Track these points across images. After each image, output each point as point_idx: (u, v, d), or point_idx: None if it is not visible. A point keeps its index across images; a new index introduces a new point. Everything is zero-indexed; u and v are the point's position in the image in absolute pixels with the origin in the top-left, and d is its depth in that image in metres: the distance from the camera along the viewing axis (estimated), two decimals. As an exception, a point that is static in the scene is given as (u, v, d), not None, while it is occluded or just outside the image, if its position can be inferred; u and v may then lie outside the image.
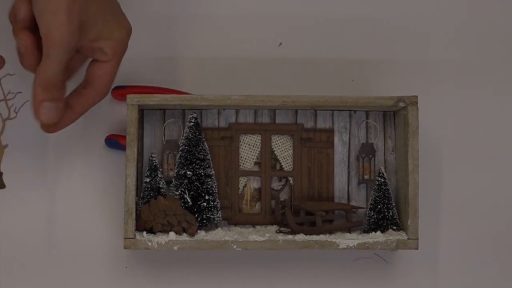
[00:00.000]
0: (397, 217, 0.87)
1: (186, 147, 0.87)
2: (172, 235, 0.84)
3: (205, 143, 0.87)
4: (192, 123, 0.87)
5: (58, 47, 0.75)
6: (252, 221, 0.90)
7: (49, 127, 0.81)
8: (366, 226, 0.87)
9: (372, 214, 0.87)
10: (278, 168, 0.90)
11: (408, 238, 0.85)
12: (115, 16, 0.80)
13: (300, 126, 0.90)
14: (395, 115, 0.90)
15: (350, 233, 0.87)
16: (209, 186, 0.87)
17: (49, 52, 0.76)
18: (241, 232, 0.87)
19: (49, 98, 0.78)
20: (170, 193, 0.87)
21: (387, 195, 0.87)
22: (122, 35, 0.80)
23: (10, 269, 0.90)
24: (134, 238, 0.84)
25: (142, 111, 0.89)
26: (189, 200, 0.86)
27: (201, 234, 0.85)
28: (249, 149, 0.90)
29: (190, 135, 0.87)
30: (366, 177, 0.89)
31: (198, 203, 0.86)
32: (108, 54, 0.80)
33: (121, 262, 0.90)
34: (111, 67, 0.81)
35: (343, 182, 0.90)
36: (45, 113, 0.79)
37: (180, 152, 0.87)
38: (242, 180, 0.90)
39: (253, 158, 0.90)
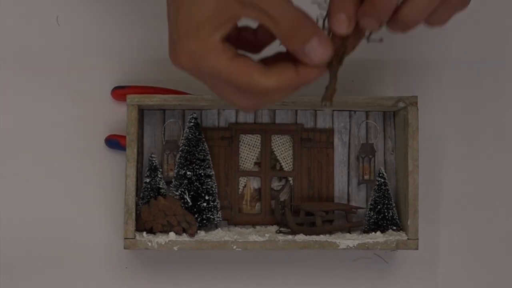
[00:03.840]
0: (397, 218, 0.87)
1: (186, 147, 0.87)
2: (172, 235, 0.84)
3: (205, 143, 0.87)
4: (192, 123, 0.87)
5: None
6: (252, 222, 0.90)
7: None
8: (366, 226, 0.88)
9: (372, 214, 0.87)
10: (278, 168, 0.90)
11: (408, 239, 0.85)
12: None
13: (300, 126, 0.90)
14: (395, 116, 0.90)
15: (350, 233, 0.87)
16: (209, 186, 0.87)
17: None
18: (241, 232, 0.87)
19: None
20: (170, 194, 0.87)
21: (387, 195, 0.87)
22: None
23: (10, 269, 0.90)
24: (134, 238, 0.84)
25: (142, 111, 0.89)
26: (189, 201, 0.86)
27: (201, 234, 0.85)
28: (249, 149, 0.90)
29: (190, 135, 0.87)
30: (366, 177, 0.89)
31: (198, 203, 0.86)
32: None
33: (121, 262, 0.90)
34: None
35: (343, 183, 0.90)
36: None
37: (180, 152, 0.87)
38: (242, 180, 0.90)
39: (253, 158, 0.90)
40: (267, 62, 0.67)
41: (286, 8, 0.64)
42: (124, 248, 0.84)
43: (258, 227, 0.89)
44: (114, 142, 0.90)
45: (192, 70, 0.66)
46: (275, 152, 0.90)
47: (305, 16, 0.65)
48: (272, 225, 0.89)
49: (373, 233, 0.86)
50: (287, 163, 0.90)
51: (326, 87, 0.71)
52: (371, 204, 0.88)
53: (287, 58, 0.67)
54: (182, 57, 0.66)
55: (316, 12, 0.69)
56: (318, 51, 0.65)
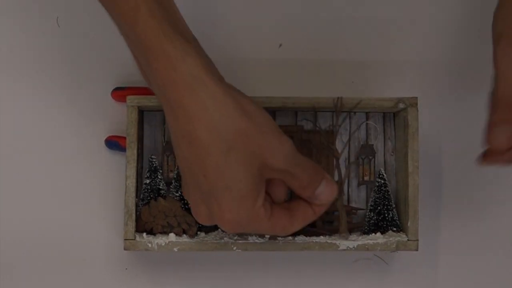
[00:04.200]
0: (397, 219, 0.87)
1: (186, 149, 0.87)
2: (172, 236, 0.84)
3: (205, 145, 0.87)
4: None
5: None
6: (252, 223, 0.89)
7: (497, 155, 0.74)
8: (366, 227, 0.88)
9: (372, 215, 0.87)
10: (278, 169, 0.90)
11: (408, 240, 0.85)
12: None
13: (300, 127, 0.90)
14: (395, 117, 0.90)
15: (350, 234, 0.87)
16: (209, 188, 0.86)
17: None
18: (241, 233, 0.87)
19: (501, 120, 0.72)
20: (170, 195, 0.87)
21: (387, 196, 0.87)
22: None
23: (10, 269, 0.90)
24: (134, 239, 0.84)
25: (142, 112, 0.89)
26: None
27: (201, 235, 0.85)
28: (249, 151, 0.90)
29: (190, 136, 0.87)
30: (366, 178, 0.89)
31: (198, 204, 0.86)
32: None
33: (121, 263, 0.90)
34: None
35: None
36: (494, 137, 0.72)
37: (180, 154, 0.87)
38: (242, 181, 0.90)
39: (253, 160, 0.90)
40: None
41: (306, 165, 0.73)
42: (124, 249, 0.84)
43: (258, 228, 0.89)
44: (114, 143, 0.90)
45: (233, 231, 0.73)
46: (275, 153, 0.90)
47: (316, 165, 0.74)
48: (272, 226, 0.89)
49: (373, 234, 0.86)
50: (287, 164, 0.90)
51: (338, 220, 0.84)
52: (371, 205, 0.88)
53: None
54: (226, 225, 0.71)
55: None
56: (326, 193, 0.74)
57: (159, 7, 0.69)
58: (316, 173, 0.74)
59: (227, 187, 0.69)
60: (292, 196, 0.77)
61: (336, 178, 0.81)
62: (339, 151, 0.89)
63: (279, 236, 0.83)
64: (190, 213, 0.85)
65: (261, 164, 0.70)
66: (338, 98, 0.83)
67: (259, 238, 0.84)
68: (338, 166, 0.82)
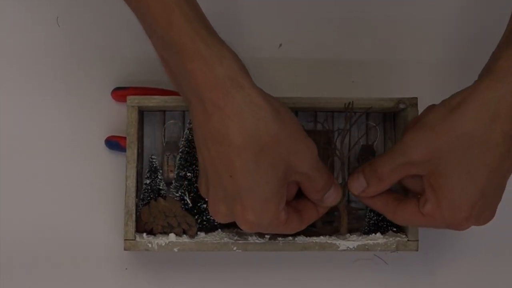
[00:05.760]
0: (397, 219, 0.87)
1: (186, 149, 0.87)
2: (172, 236, 0.84)
3: (205, 145, 0.87)
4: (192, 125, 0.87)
5: None
6: (252, 223, 0.89)
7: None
8: (366, 227, 0.88)
9: (372, 215, 0.87)
10: (278, 169, 0.90)
11: (408, 240, 0.85)
12: None
13: (300, 127, 0.90)
14: (395, 117, 0.90)
15: (350, 234, 0.87)
16: (209, 188, 0.86)
17: None
18: (241, 233, 0.87)
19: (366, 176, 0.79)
20: (170, 195, 0.87)
21: (387, 196, 0.87)
22: None
23: (10, 270, 0.90)
24: (134, 239, 0.84)
25: (142, 112, 0.89)
26: (189, 202, 0.86)
27: (201, 235, 0.85)
28: (249, 151, 0.90)
29: (190, 136, 0.87)
30: (366, 178, 0.89)
31: (198, 204, 0.86)
32: None
33: (121, 263, 0.90)
34: None
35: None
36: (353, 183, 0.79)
37: (180, 154, 0.87)
38: (242, 182, 0.90)
39: (253, 160, 0.90)
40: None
41: (323, 170, 0.75)
42: (124, 249, 0.84)
43: (258, 228, 0.89)
44: (114, 143, 0.89)
45: (251, 231, 0.75)
46: (275, 154, 0.90)
47: (328, 171, 0.77)
48: (272, 226, 0.89)
49: (373, 234, 0.86)
50: (287, 165, 0.90)
51: (338, 220, 0.85)
52: (371, 205, 0.88)
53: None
54: (247, 225, 0.73)
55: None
56: (332, 198, 0.78)
57: (192, 9, 0.70)
58: (329, 178, 0.77)
59: (253, 189, 0.70)
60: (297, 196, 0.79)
61: (340, 181, 0.82)
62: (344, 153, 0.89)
63: (281, 236, 0.83)
64: (190, 213, 0.85)
65: (287, 167, 0.71)
66: (349, 102, 0.83)
67: (259, 238, 0.84)
68: (343, 169, 0.83)
